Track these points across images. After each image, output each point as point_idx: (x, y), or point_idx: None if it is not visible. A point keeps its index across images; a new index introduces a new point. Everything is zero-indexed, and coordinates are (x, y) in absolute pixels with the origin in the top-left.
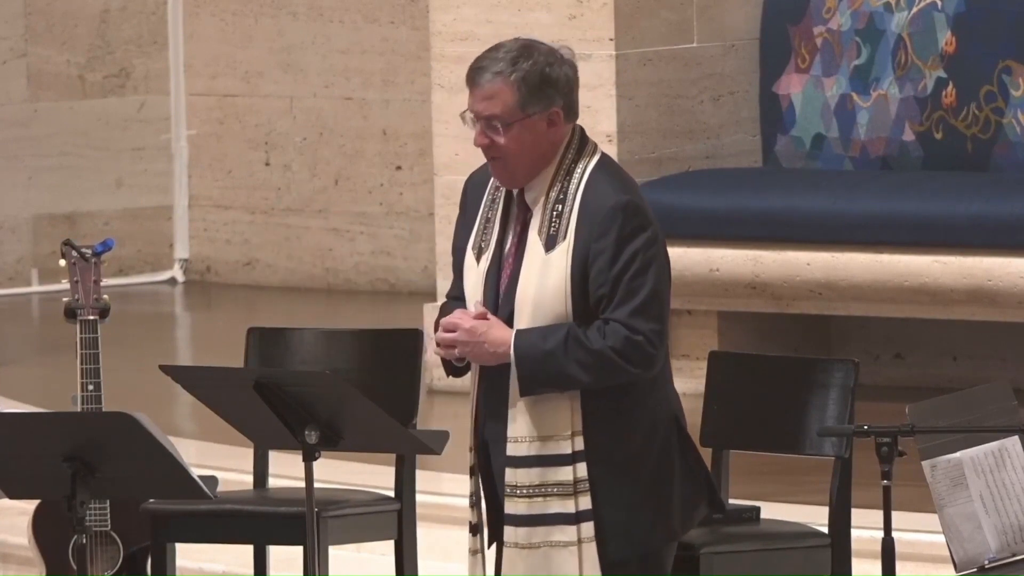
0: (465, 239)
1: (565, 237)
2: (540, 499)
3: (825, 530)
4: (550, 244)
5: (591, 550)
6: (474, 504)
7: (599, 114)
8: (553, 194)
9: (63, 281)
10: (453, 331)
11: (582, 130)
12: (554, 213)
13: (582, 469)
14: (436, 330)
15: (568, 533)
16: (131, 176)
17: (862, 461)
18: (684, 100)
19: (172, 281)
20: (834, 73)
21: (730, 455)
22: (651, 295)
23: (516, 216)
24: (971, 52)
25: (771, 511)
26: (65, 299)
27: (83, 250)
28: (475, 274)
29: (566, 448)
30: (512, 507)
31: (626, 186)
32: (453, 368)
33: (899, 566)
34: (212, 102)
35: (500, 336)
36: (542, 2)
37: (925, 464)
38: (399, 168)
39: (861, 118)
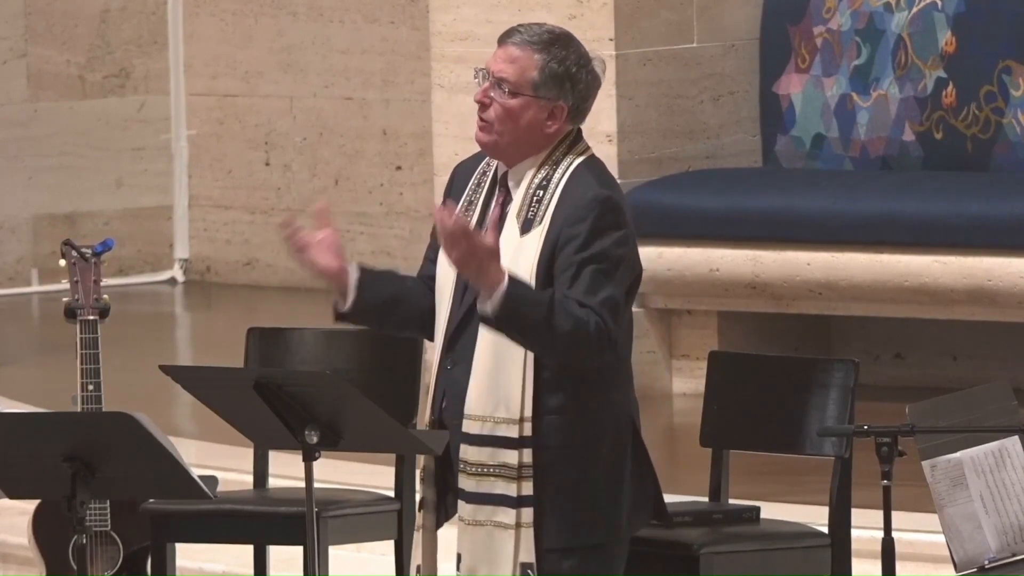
0: None
1: (541, 222)
2: (488, 478)
3: (825, 530)
4: (526, 227)
5: (528, 535)
6: (423, 480)
7: (599, 114)
8: (537, 180)
9: (63, 281)
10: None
11: (580, 131)
12: (534, 198)
13: (528, 455)
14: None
15: (510, 516)
16: (131, 176)
17: (862, 461)
18: (684, 100)
19: (172, 281)
20: (834, 73)
21: (730, 455)
22: (613, 295)
23: (497, 199)
24: (971, 52)
25: (771, 511)
26: (65, 299)
27: (83, 250)
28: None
29: (514, 432)
30: (464, 483)
31: (609, 183)
32: (338, 313)
33: (899, 566)
34: (212, 102)
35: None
36: (542, 2)
37: (925, 464)
38: (399, 168)
39: (861, 118)
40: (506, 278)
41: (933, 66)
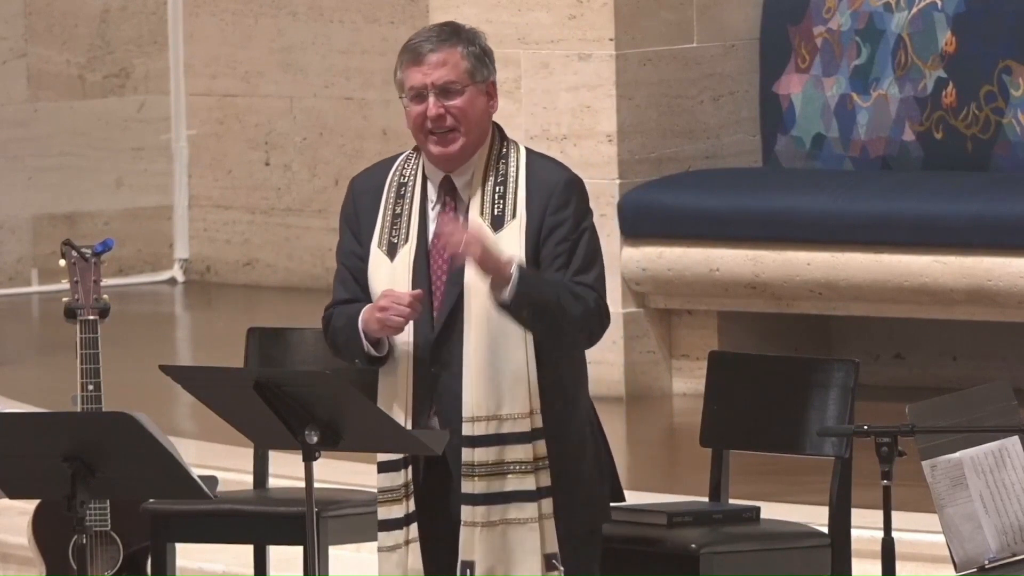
0: (364, 241)
1: (515, 215)
2: (498, 477)
3: (825, 530)
4: (497, 223)
5: (550, 525)
6: (406, 496)
7: (599, 114)
8: (491, 177)
9: (63, 281)
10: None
11: (501, 128)
12: (496, 195)
13: (541, 447)
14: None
15: (527, 510)
16: (131, 176)
17: (862, 461)
18: (684, 100)
19: (172, 281)
20: (834, 73)
21: (730, 455)
22: (601, 271)
23: (447, 203)
24: (971, 52)
25: (771, 511)
26: (65, 299)
27: (83, 250)
28: (389, 269)
29: (525, 426)
30: (469, 487)
31: (564, 165)
32: (370, 357)
33: (899, 566)
34: (212, 102)
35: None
36: (542, 2)
37: (925, 464)
38: None
39: (861, 118)
40: (514, 262)
41: (933, 66)
